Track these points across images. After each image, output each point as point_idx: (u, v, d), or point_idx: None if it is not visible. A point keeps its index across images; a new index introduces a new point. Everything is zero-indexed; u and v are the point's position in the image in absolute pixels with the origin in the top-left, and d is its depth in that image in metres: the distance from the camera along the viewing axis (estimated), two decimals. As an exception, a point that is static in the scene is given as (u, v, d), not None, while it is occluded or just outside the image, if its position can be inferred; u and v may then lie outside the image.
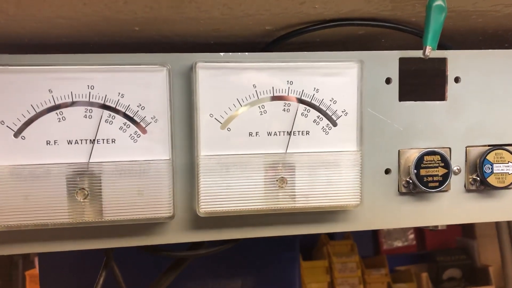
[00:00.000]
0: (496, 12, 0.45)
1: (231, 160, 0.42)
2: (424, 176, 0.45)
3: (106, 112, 0.40)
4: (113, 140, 0.41)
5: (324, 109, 0.43)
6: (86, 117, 0.40)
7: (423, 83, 0.47)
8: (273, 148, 0.43)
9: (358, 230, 0.47)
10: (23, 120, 0.39)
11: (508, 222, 0.90)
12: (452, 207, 0.48)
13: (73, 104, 0.40)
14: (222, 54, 0.43)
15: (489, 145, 0.47)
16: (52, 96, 0.40)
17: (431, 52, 0.39)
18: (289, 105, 0.43)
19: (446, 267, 1.44)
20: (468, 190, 0.48)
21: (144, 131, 0.41)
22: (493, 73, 0.47)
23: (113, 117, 0.41)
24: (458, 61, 0.47)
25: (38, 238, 0.42)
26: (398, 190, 0.47)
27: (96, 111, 0.40)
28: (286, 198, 0.43)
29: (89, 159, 0.40)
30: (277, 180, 0.43)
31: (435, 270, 1.44)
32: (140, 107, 0.41)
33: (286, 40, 0.48)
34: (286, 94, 0.43)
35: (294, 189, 0.43)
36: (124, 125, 0.41)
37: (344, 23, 0.45)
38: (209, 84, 0.42)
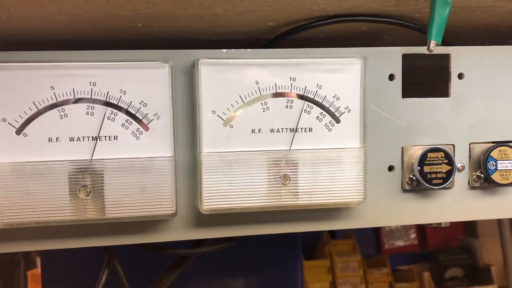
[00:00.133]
0: (499, 8, 0.44)
1: (233, 157, 0.42)
2: (427, 173, 0.45)
3: (108, 109, 0.40)
4: (115, 137, 0.41)
5: (327, 105, 0.43)
6: (88, 114, 0.40)
7: (426, 79, 0.46)
8: (276, 145, 0.43)
9: (361, 228, 0.47)
10: (25, 117, 0.39)
11: (511, 220, 0.90)
12: (456, 204, 0.47)
13: (75, 101, 0.40)
14: (224, 50, 0.42)
15: (493, 142, 0.47)
16: (54, 93, 0.40)
17: (435, 47, 0.39)
18: (291, 101, 0.43)
19: (448, 266, 1.44)
20: (472, 187, 0.47)
21: (146, 128, 0.41)
22: (497, 69, 0.47)
23: (115, 114, 0.40)
24: (461, 57, 0.46)
25: (40, 235, 0.42)
26: (402, 187, 0.46)
27: (98, 108, 0.40)
28: (289, 195, 0.43)
29: (92, 156, 0.40)
30: (280, 177, 0.43)
31: (437, 270, 1.44)
32: (143, 104, 0.41)
33: (288, 36, 0.48)
34: (288, 91, 0.42)
35: (297, 186, 0.43)
36: (127, 122, 0.41)
37: (347, 19, 0.45)
38: (212, 80, 0.41)
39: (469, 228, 1.50)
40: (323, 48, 0.44)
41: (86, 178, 0.40)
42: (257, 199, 0.42)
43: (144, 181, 0.41)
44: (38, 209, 0.40)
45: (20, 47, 0.52)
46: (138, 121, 0.41)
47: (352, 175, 0.43)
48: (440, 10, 0.38)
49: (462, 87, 0.47)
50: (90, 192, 0.40)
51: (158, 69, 0.41)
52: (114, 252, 0.51)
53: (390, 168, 0.46)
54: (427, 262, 1.48)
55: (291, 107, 0.43)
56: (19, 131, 0.39)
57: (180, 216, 0.43)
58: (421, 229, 1.52)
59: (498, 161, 0.46)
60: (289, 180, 0.43)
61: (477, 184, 0.47)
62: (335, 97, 0.43)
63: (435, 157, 0.45)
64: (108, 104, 0.40)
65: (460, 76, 0.47)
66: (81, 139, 0.40)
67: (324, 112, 0.43)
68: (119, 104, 0.40)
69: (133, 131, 0.41)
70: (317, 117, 0.43)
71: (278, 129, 0.43)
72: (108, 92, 0.40)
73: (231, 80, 0.42)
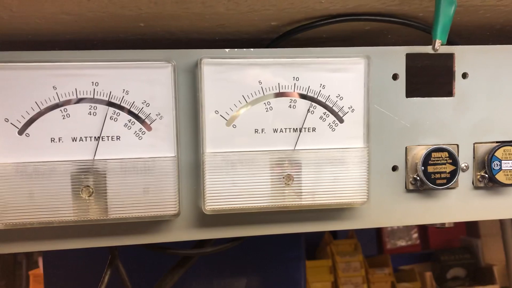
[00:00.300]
0: (504, 7, 0.44)
1: (236, 157, 0.42)
2: (431, 173, 0.45)
3: (111, 109, 0.40)
4: (118, 137, 0.41)
5: (331, 105, 0.43)
6: (90, 114, 0.40)
7: (430, 79, 0.46)
8: (279, 145, 0.42)
9: (365, 228, 0.46)
10: (28, 117, 0.39)
11: (514, 221, 0.89)
12: (460, 204, 0.47)
13: (77, 101, 0.40)
14: (227, 50, 0.42)
15: (497, 142, 0.47)
16: (57, 93, 0.39)
17: (440, 46, 0.39)
18: (295, 101, 0.42)
19: (450, 266, 1.44)
20: (476, 187, 0.47)
21: (149, 128, 0.41)
22: (501, 69, 0.47)
23: (118, 114, 0.40)
24: (465, 56, 0.46)
25: (42, 236, 0.42)
26: (405, 187, 0.46)
27: (101, 108, 0.40)
28: (292, 195, 0.43)
29: (94, 156, 0.40)
30: (283, 177, 0.42)
31: (439, 269, 1.44)
32: (145, 104, 0.41)
33: (291, 36, 0.48)
34: (292, 91, 0.42)
35: (300, 186, 0.43)
36: (129, 122, 0.40)
37: (350, 18, 0.45)
38: (214, 80, 0.41)
39: (471, 228, 1.50)
40: (326, 48, 0.44)
41: (89, 179, 0.40)
42: (261, 199, 0.42)
43: (146, 181, 0.41)
44: (40, 210, 0.39)
45: (22, 47, 0.52)
46: (141, 121, 0.41)
47: (356, 175, 0.43)
48: (446, 9, 0.37)
49: (466, 86, 0.46)
50: (92, 192, 0.40)
51: (161, 69, 0.41)
52: (117, 252, 0.51)
53: (394, 168, 0.46)
54: (429, 262, 1.48)
55: (294, 107, 0.42)
56: (21, 131, 0.39)
57: (183, 216, 0.43)
58: (423, 229, 1.52)
59: (502, 161, 0.46)
60: (293, 180, 0.43)
61: (481, 184, 0.47)
62: (339, 97, 0.43)
63: (439, 157, 0.45)
64: (110, 104, 0.40)
65: (464, 75, 0.46)
66: (84, 139, 0.40)
67: (327, 112, 0.43)
68: (121, 104, 0.40)
69: (136, 131, 0.41)
70: (321, 117, 0.43)
71: (281, 129, 0.42)
72: (110, 92, 0.40)
73: (234, 79, 0.41)
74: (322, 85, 0.42)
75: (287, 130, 0.43)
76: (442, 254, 1.44)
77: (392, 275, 1.29)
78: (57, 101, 0.39)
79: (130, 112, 0.40)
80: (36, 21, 0.42)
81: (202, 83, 0.41)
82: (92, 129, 0.40)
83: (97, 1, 0.37)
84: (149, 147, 0.41)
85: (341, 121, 0.43)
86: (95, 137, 0.40)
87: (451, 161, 0.45)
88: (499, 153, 0.46)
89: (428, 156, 0.45)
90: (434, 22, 0.39)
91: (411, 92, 0.45)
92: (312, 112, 0.43)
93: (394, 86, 0.45)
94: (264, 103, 0.42)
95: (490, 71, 0.46)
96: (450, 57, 0.46)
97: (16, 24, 0.42)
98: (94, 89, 0.40)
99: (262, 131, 0.42)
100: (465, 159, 0.47)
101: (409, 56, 0.45)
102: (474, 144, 0.47)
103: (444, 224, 0.49)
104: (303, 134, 0.43)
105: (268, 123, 0.42)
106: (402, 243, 1.51)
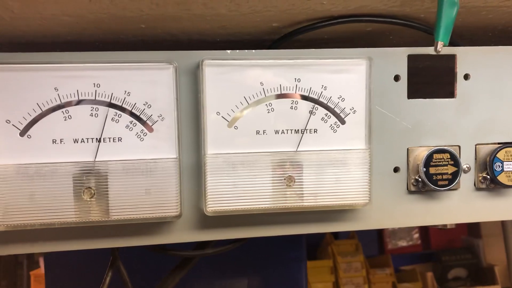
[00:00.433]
0: (507, 8, 0.44)
1: (238, 159, 0.42)
2: (433, 175, 0.44)
3: (112, 111, 0.40)
4: (120, 138, 0.41)
5: (332, 106, 0.43)
6: (92, 115, 0.40)
7: (432, 80, 0.46)
8: (280, 146, 0.42)
9: (366, 229, 0.46)
10: (29, 118, 0.39)
11: (515, 221, 0.89)
12: (461, 206, 0.47)
13: (79, 102, 0.40)
14: (228, 51, 0.42)
15: (499, 143, 0.47)
16: (58, 94, 0.39)
17: (442, 47, 0.39)
18: (296, 103, 0.42)
19: (451, 267, 1.44)
20: (478, 189, 0.47)
21: (150, 129, 0.41)
22: (503, 70, 0.46)
23: (119, 116, 0.40)
24: (467, 58, 0.46)
25: (44, 237, 0.42)
26: (407, 189, 0.46)
27: (102, 109, 0.40)
28: (294, 196, 0.43)
29: (96, 157, 0.40)
30: (284, 179, 0.42)
31: (440, 270, 1.44)
32: (147, 105, 0.41)
33: (293, 37, 0.48)
34: (293, 92, 0.42)
35: (302, 187, 0.43)
36: (131, 123, 0.40)
37: (352, 20, 0.45)
38: (216, 81, 0.41)
39: (473, 228, 1.49)
40: (328, 49, 0.44)
41: (91, 180, 0.40)
42: (262, 200, 0.42)
43: (148, 182, 0.41)
44: (42, 211, 0.39)
45: (23, 48, 0.52)
46: (143, 122, 0.41)
47: (358, 176, 0.43)
48: (448, 11, 0.37)
49: (468, 87, 0.46)
50: (94, 193, 0.40)
51: (163, 70, 0.41)
52: (118, 253, 0.51)
53: (396, 170, 0.46)
54: (430, 262, 1.47)
55: (296, 108, 0.42)
56: (23, 132, 0.39)
57: (184, 217, 0.43)
58: (424, 229, 1.52)
59: (504, 162, 0.46)
60: (294, 181, 0.42)
61: (483, 186, 0.47)
62: (340, 98, 0.43)
63: (441, 158, 0.45)
64: (112, 105, 0.40)
65: (466, 76, 0.46)
66: (85, 140, 0.40)
67: (329, 113, 0.43)
68: (123, 105, 0.40)
69: (137, 133, 0.41)
70: (322, 118, 0.43)
71: (283, 130, 0.42)
72: (112, 93, 0.40)
73: (235, 81, 0.41)
74: (323, 86, 0.42)
75: (289, 131, 0.42)
76: (443, 254, 1.44)
77: (393, 275, 1.29)
78: (58, 102, 0.39)
79: (131, 114, 0.40)
80: (37, 23, 0.42)
81: (204, 85, 0.41)
82: (93, 131, 0.40)
83: (99, 3, 0.37)
84: (151, 149, 0.41)
85: (343, 122, 0.43)
86: (96, 138, 0.40)
87: (453, 162, 0.45)
88: (501, 155, 0.46)
89: (429, 157, 0.44)
90: (436, 23, 0.38)
91: (412, 93, 0.45)
92: (314, 114, 0.43)
93: (395, 87, 0.45)
94: (266, 104, 0.42)
95: (492, 72, 0.46)
96: (452, 58, 0.46)
97: (17, 25, 0.42)
98: (95, 90, 0.40)
99: (263, 132, 0.42)
100: (467, 160, 0.47)
101: (410, 57, 0.45)
102: (476, 145, 0.47)
103: (445, 225, 0.48)
104: (305, 135, 0.43)
105: (270, 125, 0.42)
106: (403, 243, 1.51)
